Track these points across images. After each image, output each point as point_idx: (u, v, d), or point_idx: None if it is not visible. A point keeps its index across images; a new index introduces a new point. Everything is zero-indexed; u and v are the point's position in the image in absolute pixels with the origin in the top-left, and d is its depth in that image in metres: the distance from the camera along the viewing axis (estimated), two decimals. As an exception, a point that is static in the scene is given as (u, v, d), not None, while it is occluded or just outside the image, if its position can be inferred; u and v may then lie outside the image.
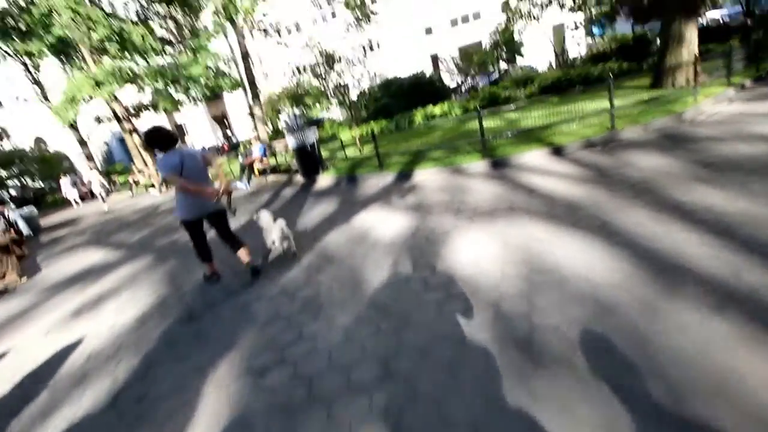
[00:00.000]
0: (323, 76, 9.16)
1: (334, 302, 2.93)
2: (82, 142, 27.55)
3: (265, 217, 4.37)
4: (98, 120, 26.49)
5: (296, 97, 12.69)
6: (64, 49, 18.57)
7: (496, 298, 2.47)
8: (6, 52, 21.51)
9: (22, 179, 24.61)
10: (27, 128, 34.16)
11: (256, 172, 9.95)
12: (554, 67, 26.91)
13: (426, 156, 6.91)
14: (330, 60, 9.00)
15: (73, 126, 26.54)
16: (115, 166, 30.18)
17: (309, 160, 8.26)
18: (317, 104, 11.62)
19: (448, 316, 2.41)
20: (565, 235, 3.09)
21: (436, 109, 14.94)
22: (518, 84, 16.37)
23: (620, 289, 2.28)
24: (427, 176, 6.01)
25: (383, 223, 4.40)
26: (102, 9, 19.43)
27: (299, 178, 8.62)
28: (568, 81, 14.19)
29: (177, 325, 3.17)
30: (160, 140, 3.32)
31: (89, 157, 28.77)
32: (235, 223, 5.82)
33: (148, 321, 3.36)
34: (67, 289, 4.85)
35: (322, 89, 9.61)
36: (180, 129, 42.05)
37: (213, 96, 29.93)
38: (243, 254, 3.69)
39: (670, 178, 3.77)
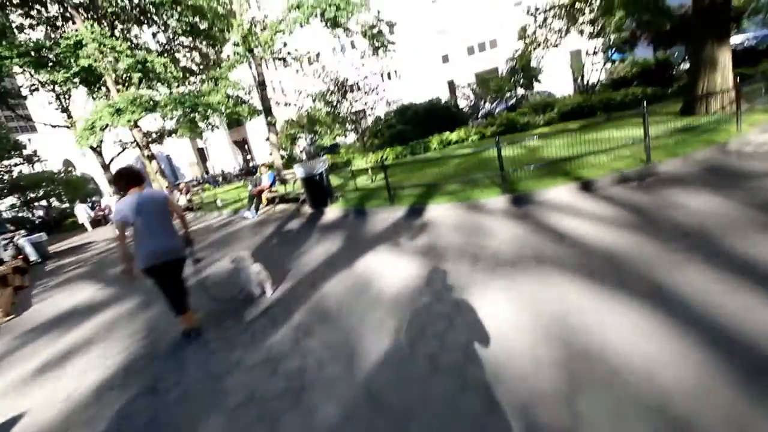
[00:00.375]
0: (335, 104, 8.90)
1: (320, 383, 2.38)
2: (105, 167, 28.42)
3: (241, 261, 4.05)
4: (122, 146, 27.38)
5: (307, 125, 12.57)
6: (88, 78, 19.32)
7: (526, 398, 1.88)
8: (38, 80, 22.62)
9: (49, 200, 25.43)
10: (57, 151, 35.76)
11: (264, 200, 9.65)
12: (573, 93, 26.53)
13: (440, 189, 6.41)
14: (343, 87, 8.74)
15: (96, 150, 27.49)
16: (136, 190, 30.92)
17: (317, 191, 7.89)
18: (329, 131, 11.41)
19: (462, 420, 1.83)
20: (609, 303, 2.48)
21: (453, 136, 14.58)
22: (537, 110, 15.93)
23: (694, 394, 1.67)
24: (441, 212, 5.49)
25: (389, 271, 3.87)
26: (129, 40, 20.33)
27: (307, 209, 8.24)
28: (589, 107, 13.68)
29: (137, 401, 2.67)
30: (121, 181, 3.23)
31: (111, 182, 29.60)
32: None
33: (108, 392, 2.87)
34: (43, 335, 4.46)
35: (334, 117, 9.33)
36: (202, 153, 43.28)
37: (235, 123, 30.84)
38: (185, 318, 3.42)
39: (728, 224, 3.14)
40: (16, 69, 18.21)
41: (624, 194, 4.46)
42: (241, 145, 46.54)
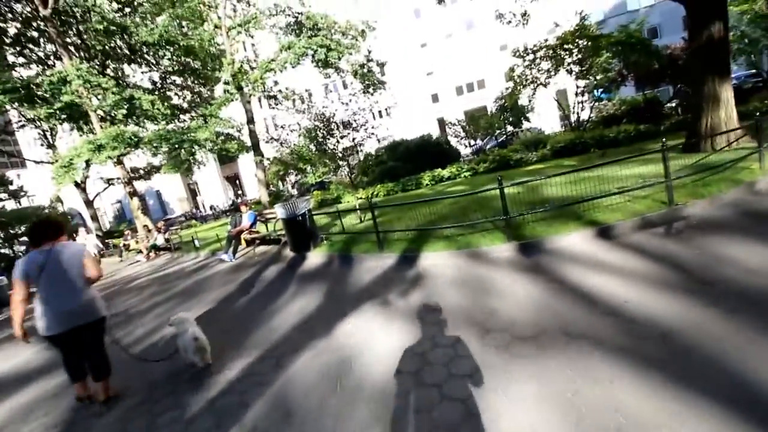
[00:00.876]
0: (321, 140, 8.38)
1: None
2: (88, 203, 27.50)
3: (180, 323, 3.42)
4: (108, 182, 26.67)
5: (291, 163, 12.05)
6: (72, 114, 18.92)
7: None
8: (24, 116, 22.15)
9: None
10: (47, 187, 34.94)
11: (243, 242, 8.85)
12: (561, 129, 26.91)
13: (435, 233, 5.72)
14: (329, 123, 8.26)
15: (80, 186, 26.67)
16: (120, 226, 29.82)
17: (299, 233, 7.15)
18: (313, 169, 10.85)
19: None
20: (679, 411, 1.73)
21: (445, 172, 14.18)
22: (529, 146, 15.77)
23: None
24: (438, 261, 4.76)
25: (376, 344, 3.07)
26: (119, 78, 20.19)
27: (288, 252, 7.45)
28: (582, 144, 13.49)
29: None
30: (33, 235, 2.92)
31: (94, 218, 28.54)
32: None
33: None
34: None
35: (320, 154, 8.78)
36: (192, 189, 42.60)
37: (226, 158, 30.55)
38: (102, 386, 3.06)
39: (806, 288, 2.47)
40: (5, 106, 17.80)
41: (652, 243, 3.80)
42: (233, 180, 46.20)
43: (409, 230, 5.93)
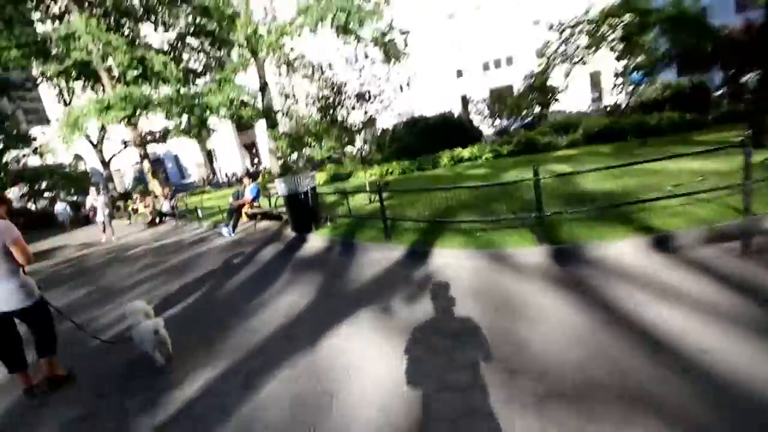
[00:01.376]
0: (330, 111, 7.58)
1: None
2: (105, 164, 27.50)
3: (134, 314, 3.09)
4: (124, 144, 26.52)
5: (296, 136, 11.30)
6: (83, 73, 18.40)
7: None
8: (42, 73, 21.75)
9: (56, 194, 24.68)
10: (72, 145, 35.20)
11: (244, 216, 8.30)
12: (590, 112, 25.15)
13: (451, 225, 4.98)
14: (340, 93, 7.44)
15: (96, 147, 26.59)
16: (137, 188, 29.86)
17: (302, 213, 6.52)
18: (321, 143, 10.09)
19: None
20: None
21: (465, 152, 13.25)
22: (558, 130, 14.58)
23: None
24: (452, 261, 4.05)
25: (366, 373, 2.44)
26: (132, 37, 19.47)
27: (290, 232, 6.87)
28: (619, 130, 12.29)
29: None
30: None
31: (109, 179, 28.64)
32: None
33: None
34: None
35: (328, 125, 8.00)
36: (210, 154, 42.30)
37: (244, 125, 29.89)
38: (45, 365, 2.87)
39: None
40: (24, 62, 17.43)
41: (728, 264, 2.99)
42: (250, 148, 45.75)
43: (421, 221, 5.19)
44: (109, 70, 17.49)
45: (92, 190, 12.61)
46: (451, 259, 4.08)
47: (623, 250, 3.45)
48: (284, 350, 2.84)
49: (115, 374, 2.99)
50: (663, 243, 3.43)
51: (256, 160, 45.28)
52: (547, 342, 2.39)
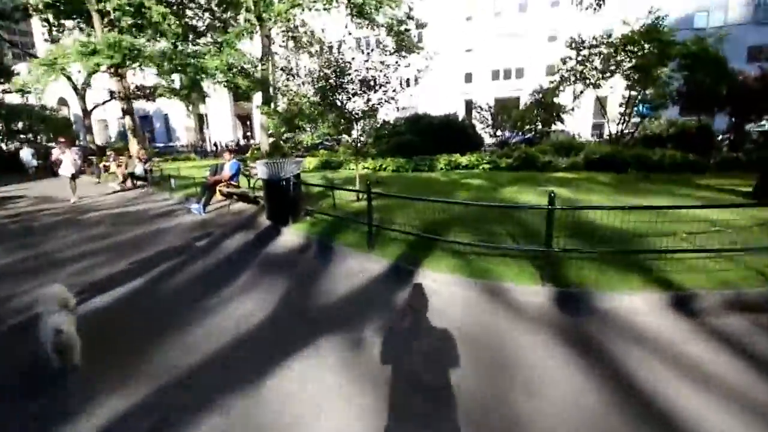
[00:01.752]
0: (328, 93, 6.91)
1: None
2: (86, 112, 25.86)
3: (48, 301, 2.48)
4: (111, 94, 24.96)
5: (288, 116, 10.55)
6: (74, 10, 17.04)
7: None
8: (30, 4, 19.95)
9: (27, 136, 23.06)
10: (53, 88, 33.24)
11: (219, 194, 7.60)
12: (594, 139, 25.01)
13: (442, 244, 4.44)
14: (341, 74, 6.77)
15: (79, 94, 24.96)
16: (120, 143, 28.24)
17: (280, 201, 5.88)
18: (313, 127, 9.40)
19: None
20: None
21: (463, 159, 12.77)
22: (559, 150, 14.24)
23: None
24: (441, 287, 3.52)
25: (325, 429, 1.89)
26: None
27: (264, 220, 6.23)
28: (621, 161, 11.96)
29: None
30: None
31: (89, 130, 27.00)
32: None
33: None
34: None
35: (323, 109, 7.33)
36: (201, 119, 40.46)
37: (241, 96, 28.59)
38: None
39: None
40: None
41: (762, 342, 2.55)
42: (244, 120, 44.21)
43: (410, 233, 4.63)
44: (103, 13, 16.19)
45: (59, 144, 11.48)
46: (440, 285, 3.54)
47: (637, 305, 2.98)
48: (221, 385, 2.26)
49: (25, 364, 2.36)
50: (683, 303, 2.97)
51: (249, 134, 43.84)
52: (552, 421, 1.88)
